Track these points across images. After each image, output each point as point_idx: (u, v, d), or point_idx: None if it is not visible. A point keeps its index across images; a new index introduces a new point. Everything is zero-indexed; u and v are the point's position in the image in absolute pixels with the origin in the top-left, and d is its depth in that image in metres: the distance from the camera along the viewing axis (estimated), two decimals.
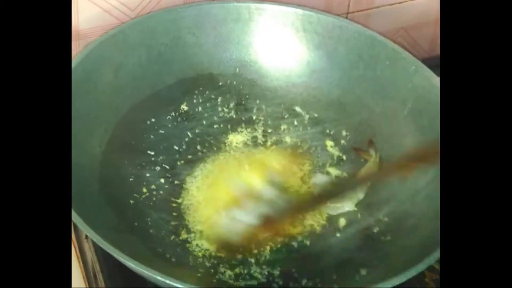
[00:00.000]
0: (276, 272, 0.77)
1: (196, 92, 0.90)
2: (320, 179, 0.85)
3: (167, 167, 0.84)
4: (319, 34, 0.91)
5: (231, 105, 0.91)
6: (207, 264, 0.76)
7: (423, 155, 0.76)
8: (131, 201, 0.80)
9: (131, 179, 0.82)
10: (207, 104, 0.90)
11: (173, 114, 0.88)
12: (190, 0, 0.90)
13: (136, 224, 0.77)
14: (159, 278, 0.64)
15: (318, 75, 0.91)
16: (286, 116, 0.91)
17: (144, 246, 0.76)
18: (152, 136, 0.86)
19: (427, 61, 0.86)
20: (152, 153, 0.85)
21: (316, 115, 0.91)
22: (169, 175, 0.84)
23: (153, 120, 0.87)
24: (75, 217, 0.67)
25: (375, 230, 0.80)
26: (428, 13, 1.04)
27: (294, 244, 0.79)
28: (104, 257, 0.78)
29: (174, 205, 0.81)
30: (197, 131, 0.88)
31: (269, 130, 0.90)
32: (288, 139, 0.89)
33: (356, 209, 0.83)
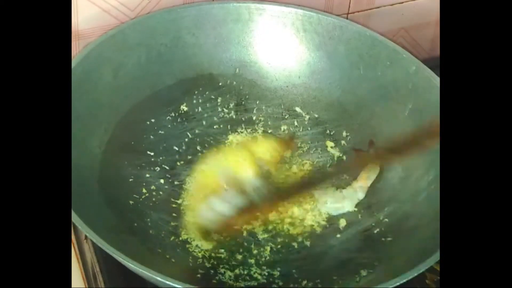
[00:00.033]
0: (276, 273, 0.76)
1: (196, 92, 0.90)
2: None
3: (167, 167, 0.84)
4: (319, 34, 0.90)
5: (231, 105, 0.91)
6: (207, 264, 0.76)
7: (413, 140, 0.76)
8: (131, 202, 0.79)
9: (130, 180, 0.81)
10: (207, 105, 0.90)
11: (173, 114, 0.88)
12: (190, 0, 0.90)
13: (135, 224, 0.77)
14: (158, 278, 0.64)
15: (318, 76, 0.91)
16: (286, 117, 0.91)
17: (144, 246, 0.76)
18: (152, 137, 0.86)
19: (427, 62, 0.86)
20: (152, 154, 0.85)
21: (316, 115, 0.91)
22: (169, 176, 0.84)
23: (152, 120, 0.87)
24: (74, 218, 0.67)
25: (376, 231, 0.80)
26: (429, 14, 1.04)
27: (294, 244, 0.79)
28: (103, 257, 0.78)
29: (173, 205, 0.81)
30: (197, 131, 0.88)
31: (269, 131, 0.90)
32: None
33: (356, 209, 0.83)
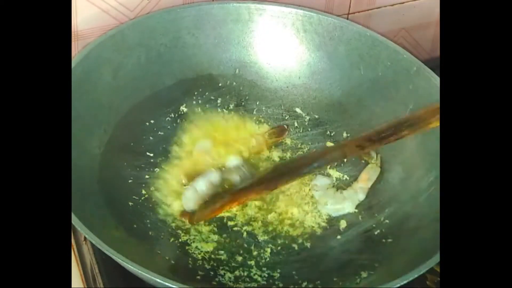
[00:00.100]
0: (276, 274, 0.76)
1: (196, 93, 0.90)
2: (321, 181, 0.85)
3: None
4: (319, 34, 0.90)
5: (231, 106, 0.90)
6: (207, 266, 0.76)
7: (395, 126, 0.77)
8: (130, 203, 0.79)
9: (130, 181, 0.81)
10: (207, 105, 0.90)
11: (172, 115, 0.88)
12: (190, 0, 0.90)
13: (135, 226, 0.77)
14: (158, 280, 0.64)
15: (318, 76, 0.91)
16: (286, 118, 0.91)
17: (143, 248, 0.75)
18: (151, 138, 0.86)
19: (428, 62, 0.86)
20: (151, 155, 0.84)
21: (316, 116, 0.91)
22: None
23: (152, 121, 0.87)
24: (73, 220, 0.66)
25: (376, 232, 0.80)
26: (430, 14, 1.04)
27: (295, 246, 0.79)
28: (102, 259, 0.77)
29: None
30: None
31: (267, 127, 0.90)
32: (288, 141, 0.89)
33: (356, 211, 0.83)
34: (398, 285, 0.66)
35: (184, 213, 0.79)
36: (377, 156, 0.86)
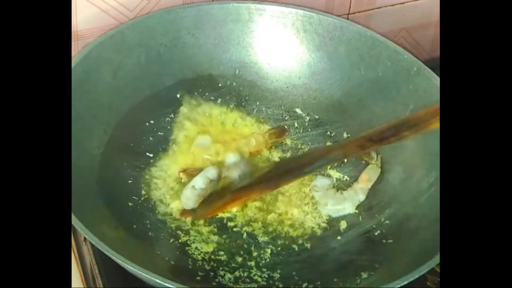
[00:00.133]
0: (276, 275, 0.76)
1: (196, 93, 0.90)
2: (321, 181, 0.85)
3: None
4: (319, 35, 0.90)
5: (231, 106, 0.90)
6: (207, 267, 0.76)
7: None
8: (130, 204, 0.79)
9: (130, 181, 0.81)
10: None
11: (172, 115, 0.88)
12: (189, 0, 0.89)
13: (135, 226, 0.77)
14: (157, 281, 0.64)
15: (318, 76, 0.91)
16: (286, 118, 0.91)
17: (143, 248, 0.75)
18: (151, 138, 0.86)
19: (428, 62, 0.86)
20: (151, 155, 0.84)
21: (317, 116, 0.91)
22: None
23: (152, 121, 0.86)
24: (73, 220, 0.66)
25: (376, 232, 0.80)
26: (430, 14, 1.04)
27: (295, 247, 0.79)
28: (102, 259, 0.77)
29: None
30: None
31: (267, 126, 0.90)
32: (288, 141, 0.89)
33: (357, 211, 0.83)
34: (399, 286, 0.66)
35: (184, 212, 0.79)
36: (377, 157, 0.86)
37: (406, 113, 0.85)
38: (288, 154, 0.88)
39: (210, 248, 0.77)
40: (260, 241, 0.79)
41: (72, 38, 0.85)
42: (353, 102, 0.89)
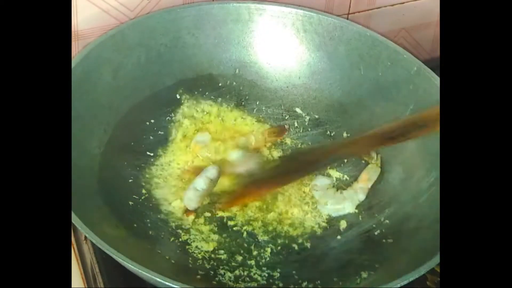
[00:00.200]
0: (276, 274, 0.76)
1: (196, 93, 0.90)
2: (321, 181, 0.85)
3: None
4: (319, 34, 0.90)
5: (231, 106, 0.90)
6: (207, 266, 0.76)
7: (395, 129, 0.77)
8: (130, 203, 0.79)
9: (130, 180, 0.81)
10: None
11: (172, 115, 0.88)
12: (190, 0, 0.90)
13: (135, 225, 0.77)
14: (158, 279, 0.64)
15: (318, 76, 0.91)
16: (286, 118, 0.91)
17: (143, 247, 0.75)
18: (151, 137, 0.86)
19: (428, 62, 0.86)
20: (151, 154, 0.84)
21: (316, 116, 0.91)
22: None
23: (152, 121, 0.87)
24: (74, 219, 0.66)
25: (376, 232, 0.80)
26: (430, 14, 1.04)
27: (295, 246, 0.79)
28: (103, 258, 0.77)
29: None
30: None
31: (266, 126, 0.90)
32: (288, 141, 0.89)
33: (357, 211, 0.83)
34: (399, 286, 0.66)
35: (187, 211, 0.79)
36: (377, 157, 0.86)
37: (406, 113, 0.85)
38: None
39: (210, 247, 0.77)
40: (260, 240, 0.79)
41: (73, 38, 0.85)
42: (353, 102, 0.89)
